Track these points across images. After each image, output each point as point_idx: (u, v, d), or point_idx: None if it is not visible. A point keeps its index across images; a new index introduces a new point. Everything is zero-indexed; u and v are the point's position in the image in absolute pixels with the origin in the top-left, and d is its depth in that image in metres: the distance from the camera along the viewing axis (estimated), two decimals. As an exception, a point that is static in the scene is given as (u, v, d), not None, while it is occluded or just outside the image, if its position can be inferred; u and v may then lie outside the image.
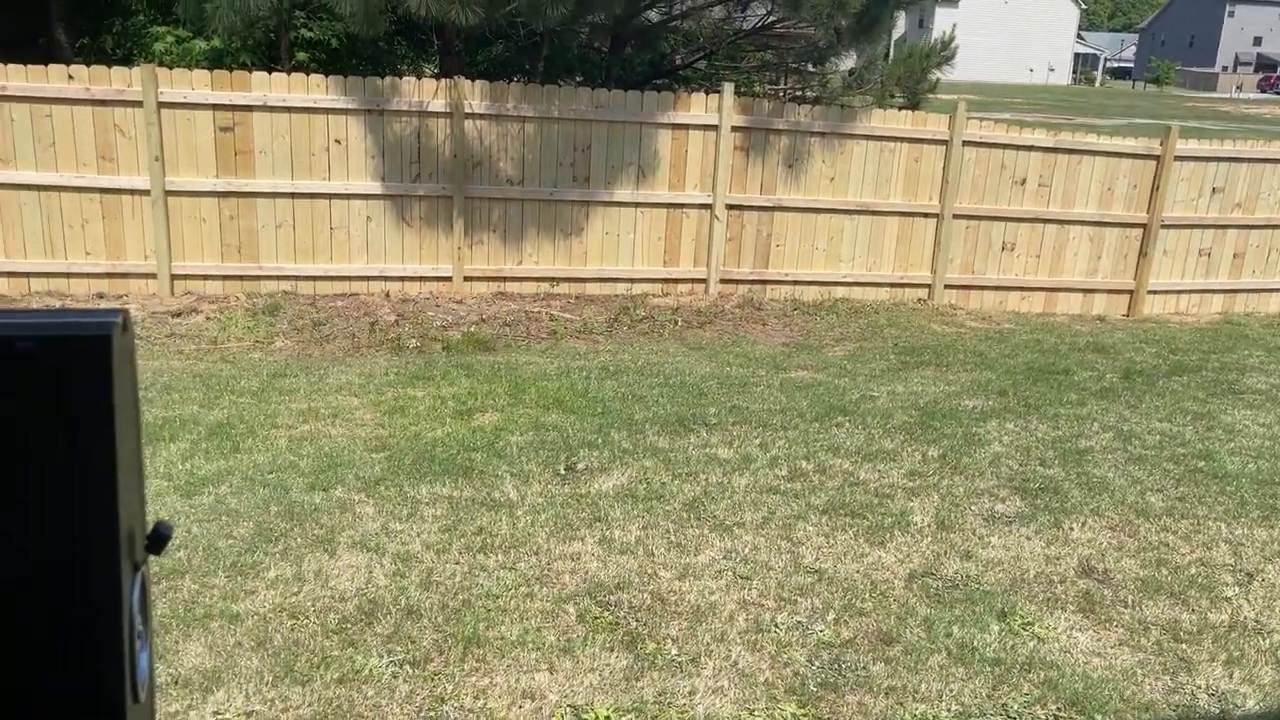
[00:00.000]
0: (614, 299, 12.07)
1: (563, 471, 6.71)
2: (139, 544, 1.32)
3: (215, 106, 10.72)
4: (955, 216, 12.84)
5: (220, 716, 3.94)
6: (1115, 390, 9.49)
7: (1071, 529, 6.14)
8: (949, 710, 4.21)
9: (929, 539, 5.89)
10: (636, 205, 12.06)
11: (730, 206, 12.25)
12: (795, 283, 12.70)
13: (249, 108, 10.80)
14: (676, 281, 12.40)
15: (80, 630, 1.24)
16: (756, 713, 4.11)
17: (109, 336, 1.16)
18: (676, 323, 11.53)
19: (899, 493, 6.56)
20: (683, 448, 7.26)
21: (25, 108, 10.35)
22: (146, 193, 10.73)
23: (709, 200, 12.17)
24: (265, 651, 4.40)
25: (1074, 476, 7.00)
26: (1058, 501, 6.55)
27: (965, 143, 12.61)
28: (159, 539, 1.35)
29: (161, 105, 10.56)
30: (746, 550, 5.61)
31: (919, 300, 13.10)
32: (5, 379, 1.19)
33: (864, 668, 4.48)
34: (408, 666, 4.35)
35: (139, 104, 10.52)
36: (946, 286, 13.10)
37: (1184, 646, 4.84)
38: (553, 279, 12.07)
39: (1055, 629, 4.94)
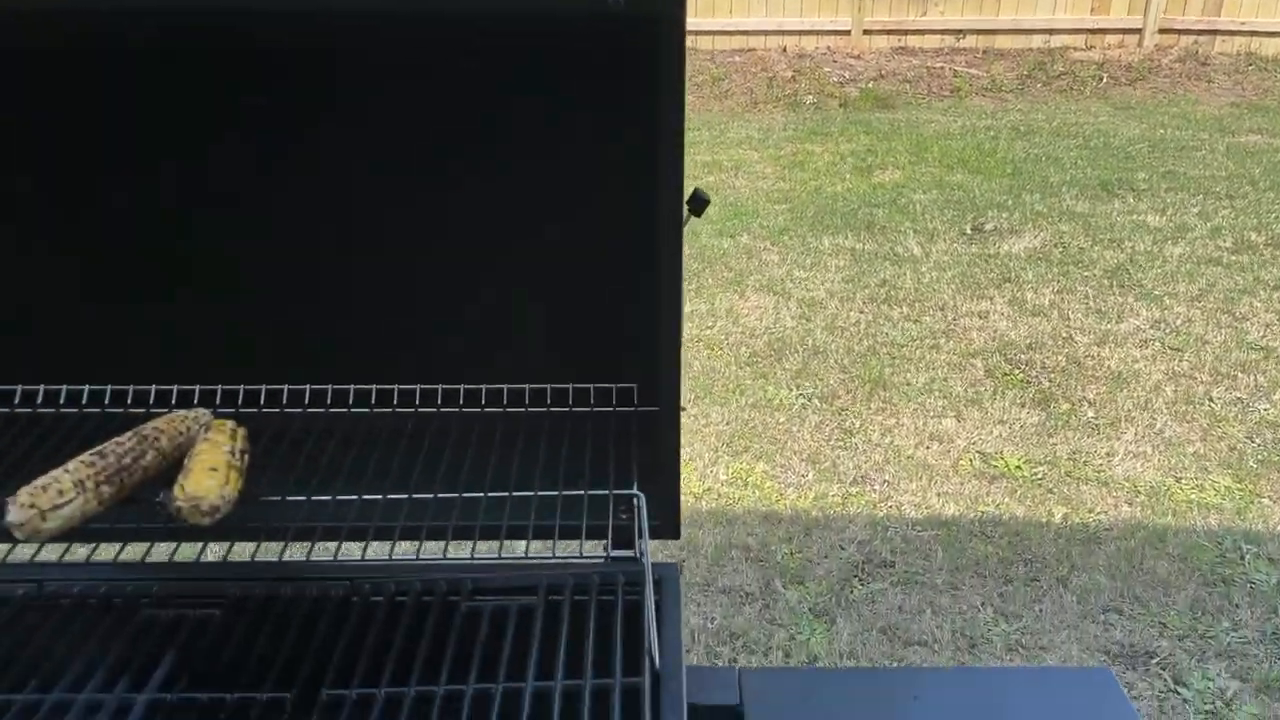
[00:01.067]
0: (1027, 53, 11.00)
1: (969, 231, 6.45)
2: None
3: None
4: None
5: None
6: None
7: None
8: None
9: None
10: (1065, -57, 10.68)
11: (1182, -60, 10.49)
12: (1253, 33, 10.80)
13: None
14: (1103, 32, 11.01)
15: (650, 282, 1.40)
16: (1184, 481, 3.89)
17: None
18: (1100, 79, 10.34)
19: (1376, 273, 5.65)
20: (1105, 213, 6.68)
21: None
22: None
23: (1156, -67, 10.49)
24: (687, 375, 4.79)
25: None
26: None
27: None
28: (700, 202, 1.47)
29: None
30: (1178, 322, 5.15)
31: None
32: (602, 34, 1.32)
33: (1316, 453, 4.06)
34: (816, 400, 4.56)
35: None
36: None
37: None
38: (959, 31, 11.18)
39: None
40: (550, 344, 1.55)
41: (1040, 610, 3.26)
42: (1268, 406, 4.38)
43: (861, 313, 5.37)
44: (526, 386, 1.56)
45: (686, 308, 5.57)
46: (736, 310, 5.45)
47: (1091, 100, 9.87)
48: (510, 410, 1.55)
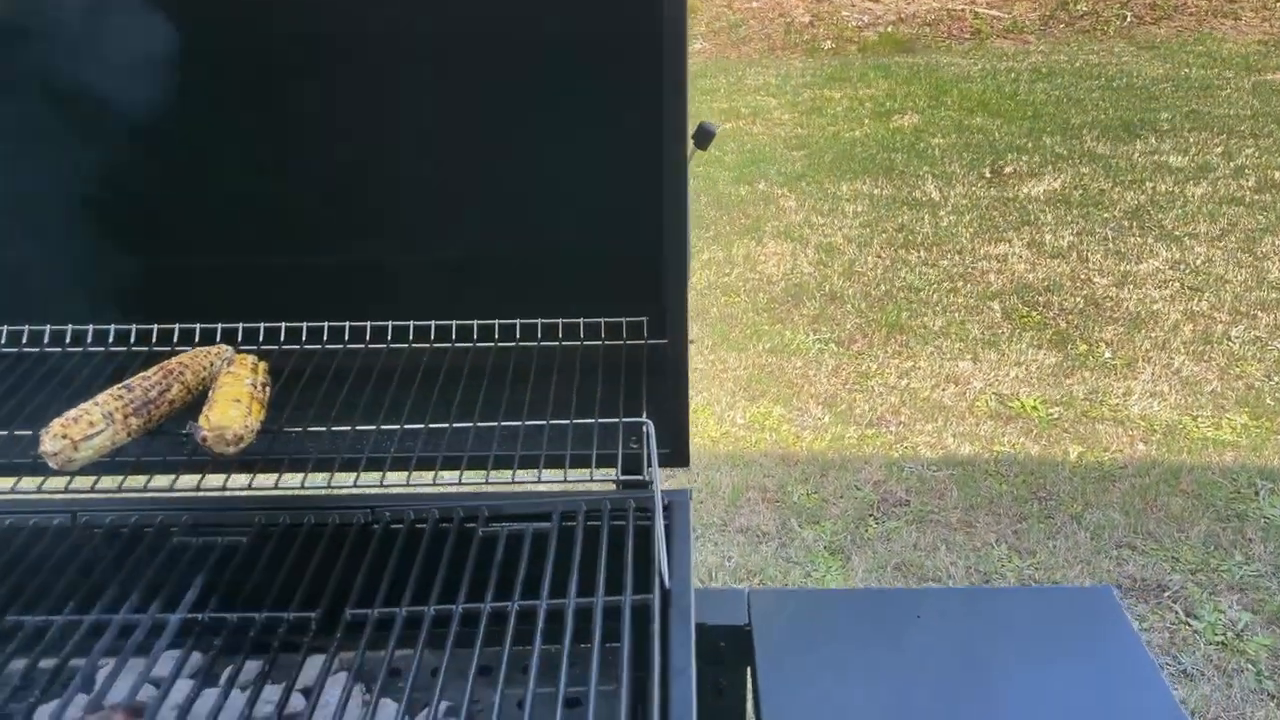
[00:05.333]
0: (1050, -7, 10.80)
1: (988, 174, 6.41)
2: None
3: None
4: None
5: (669, 370, 4.45)
6: None
7: None
8: None
9: None
10: (1089, -122, 10.42)
11: (1210, -128, 10.22)
12: (1284, -34, 10.55)
13: None
14: (1129, -30, 10.78)
15: (655, 212, 1.43)
16: (1200, 420, 3.90)
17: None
18: (1124, 18, 10.15)
19: (1402, 210, 5.58)
20: (1126, 154, 6.61)
21: None
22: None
23: None
24: (704, 321, 4.82)
25: None
26: None
27: None
28: (705, 135, 1.49)
29: None
30: (1198, 262, 5.12)
31: None
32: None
33: (1335, 390, 4.05)
34: (833, 345, 4.58)
35: None
36: None
37: None
38: (980, -28, 10.98)
39: None
40: (563, 279, 1.59)
41: (1054, 546, 3.30)
42: (1287, 345, 4.37)
43: (879, 257, 5.37)
44: (539, 321, 1.60)
45: (704, 255, 5.60)
46: (754, 257, 5.46)
47: (1115, 40, 9.71)
48: (523, 344, 1.59)
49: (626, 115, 1.45)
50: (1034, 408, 4.03)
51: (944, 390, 4.19)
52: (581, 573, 1.34)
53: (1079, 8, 10.43)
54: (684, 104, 1.33)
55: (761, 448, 3.92)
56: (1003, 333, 4.59)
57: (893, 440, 3.89)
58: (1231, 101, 7.59)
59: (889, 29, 10.19)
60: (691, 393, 4.49)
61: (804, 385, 4.28)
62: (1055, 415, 3.98)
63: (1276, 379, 4.13)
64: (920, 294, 4.98)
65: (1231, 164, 6.31)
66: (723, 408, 4.15)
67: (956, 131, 7.22)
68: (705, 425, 4.05)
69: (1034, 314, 4.73)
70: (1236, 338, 4.44)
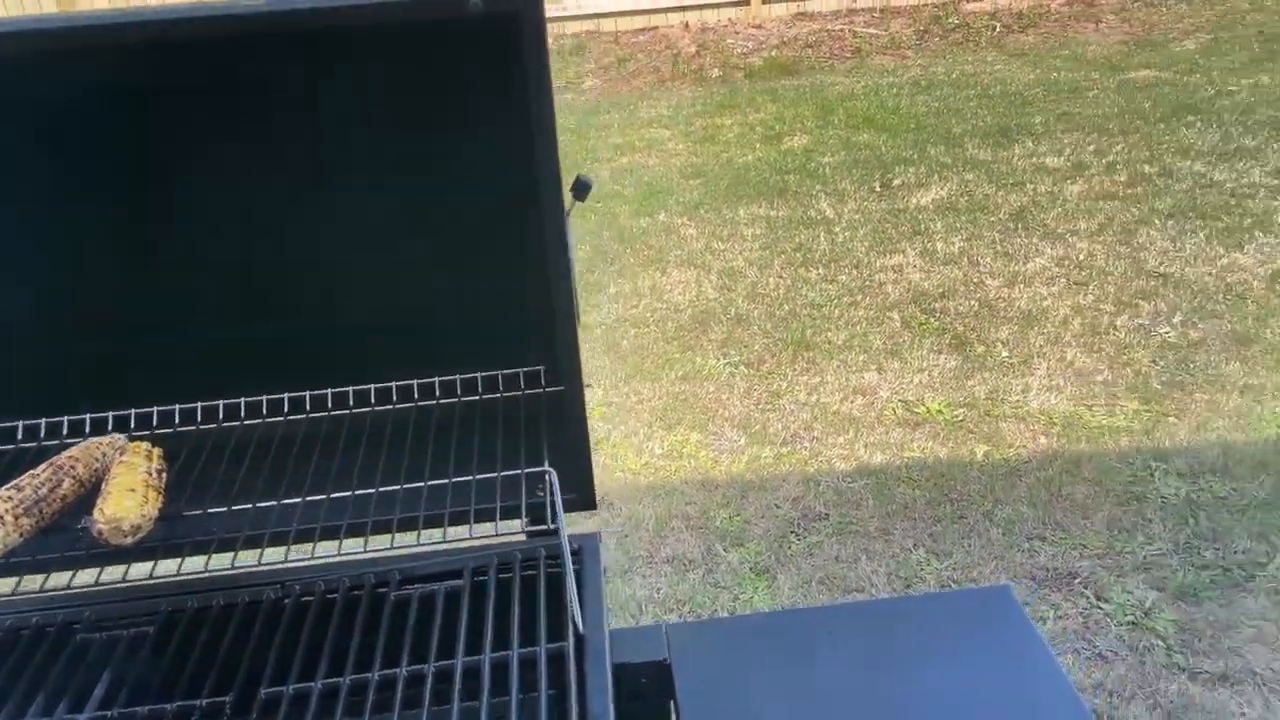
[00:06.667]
0: (922, 9, 11.20)
1: (878, 188, 6.60)
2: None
3: None
4: None
5: (584, 407, 4.47)
6: None
7: None
8: (1315, 410, 3.96)
9: (1297, 240, 5.33)
10: (948, -103, 10.87)
11: (1059, -114, 10.75)
12: (1136, -30, 11.12)
13: None
14: (994, -18, 11.25)
15: (538, 262, 1.46)
16: (1095, 409, 4.07)
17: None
18: (994, 29, 10.58)
19: (1261, 193, 5.90)
20: (1006, 159, 6.88)
21: None
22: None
23: (1033, -119, 10.73)
24: (615, 354, 4.87)
25: None
26: None
27: None
28: (583, 187, 1.53)
29: None
30: (1081, 257, 5.35)
31: (1293, -23, 11.10)
32: (468, 36, 1.37)
33: (1215, 368, 4.26)
34: (743, 367, 4.66)
35: None
36: (1332, -44, 10.96)
37: None
38: (855, -7, 11.34)
39: None
40: (458, 335, 1.61)
41: (969, 545, 3.40)
42: (1168, 330, 4.59)
43: (780, 278, 5.49)
44: (436, 379, 1.61)
45: (611, 288, 5.64)
46: (660, 287, 5.53)
47: (987, 50, 10.10)
48: (423, 404, 1.60)
49: (503, 172, 1.48)
50: (939, 411, 4.16)
51: (852, 402, 4.29)
52: (497, 627, 1.36)
53: (951, 21, 10.83)
54: (554, 155, 1.37)
55: (681, 475, 3.97)
56: (904, 341, 4.73)
57: (807, 456, 3.97)
58: (1099, 101, 7.95)
59: (772, 53, 10.44)
60: (609, 427, 4.49)
61: (718, 409, 4.35)
62: (960, 417, 4.11)
63: (1161, 364, 4.33)
64: (822, 310, 5.10)
65: (1104, 160, 6.61)
66: (641, 439, 4.18)
67: (845, 149, 7.42)
68: (625, 458, 4.08)
69: (932, 320, 4.89)
70: (1122, 327, 4.65)
